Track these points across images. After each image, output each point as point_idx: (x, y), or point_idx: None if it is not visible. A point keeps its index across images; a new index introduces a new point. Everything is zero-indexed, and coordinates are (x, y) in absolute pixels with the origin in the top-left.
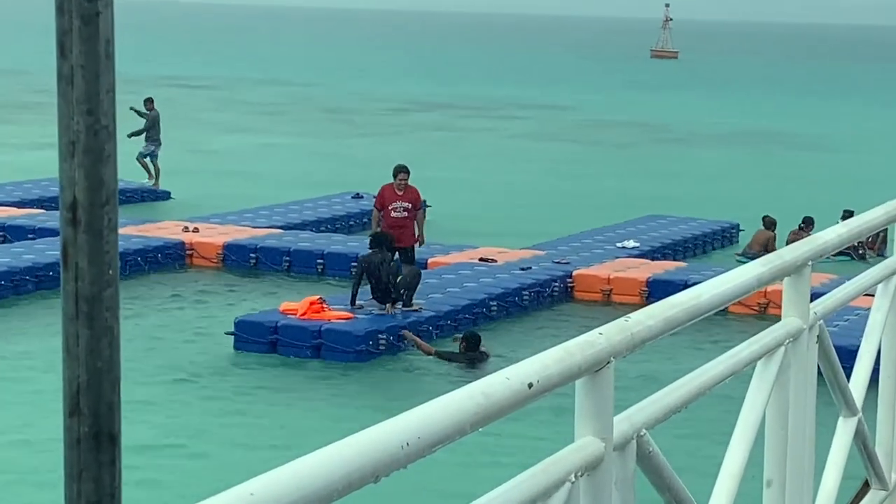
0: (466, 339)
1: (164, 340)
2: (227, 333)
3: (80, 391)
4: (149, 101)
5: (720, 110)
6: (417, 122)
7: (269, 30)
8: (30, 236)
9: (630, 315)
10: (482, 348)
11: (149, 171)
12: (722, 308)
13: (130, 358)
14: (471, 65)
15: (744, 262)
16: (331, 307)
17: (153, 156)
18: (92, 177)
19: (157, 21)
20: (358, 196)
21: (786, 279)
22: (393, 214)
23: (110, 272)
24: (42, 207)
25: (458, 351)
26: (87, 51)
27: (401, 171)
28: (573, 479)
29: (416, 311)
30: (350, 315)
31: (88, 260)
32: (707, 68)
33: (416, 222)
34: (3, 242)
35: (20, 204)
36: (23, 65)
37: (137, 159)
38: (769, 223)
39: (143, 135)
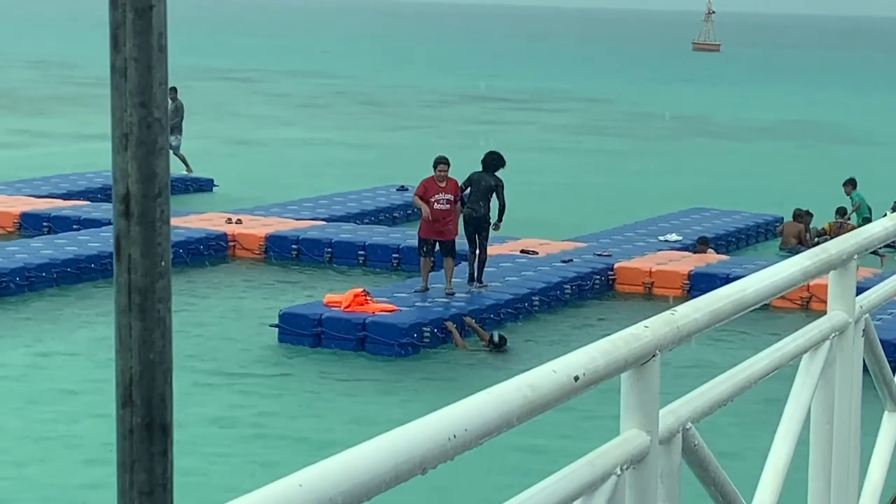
0: (493, 342)
1: (207, 332)
2: (272, 325)
3: (132, 382)
4: (172, 91)
5: (763, 103)
6: (459, 114)
7: (310, 23)
8: (75, 227)
9: (676, 308)
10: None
11: (186, 163)
12: (766, 302)
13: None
14: (511, 57)
15: (786, 256)
16: (375, 299)
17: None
18: (145, 169)
19: (198, 14)
20: (402, 189)
21: (831, 273)
22: (436, 206)
23: (163, 263)
24: (88, 199)
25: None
26: (140, 44)
27: (440, 161)
28: (619, 472)
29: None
30: (394, 307)
31: (141, 252)
32: (749, 61)
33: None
34: (49, 233)
35: (66, 196)
36: (71, 56)
37: (174, 153)
38: (797, 214)
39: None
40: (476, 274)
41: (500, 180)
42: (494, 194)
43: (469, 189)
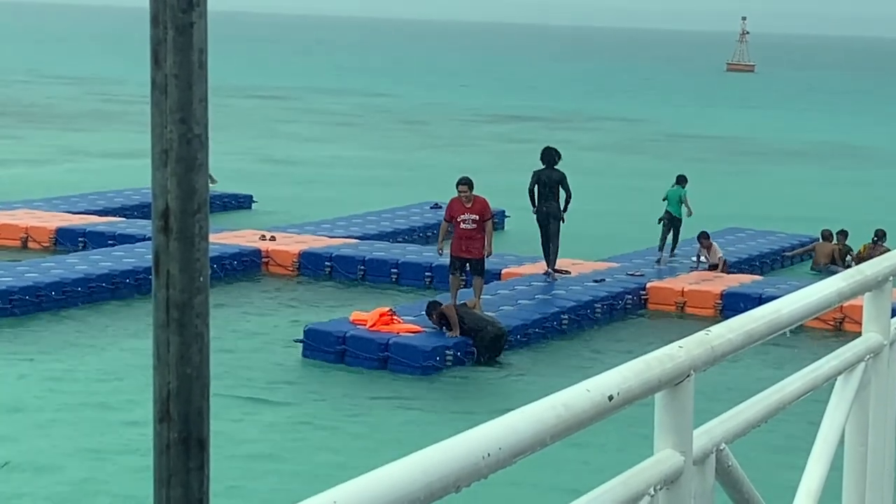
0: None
1: (235, 346)
2: (296, 341)
3: (170, 397)
4: None
5: (797, 124)
6: (491, 133)
7: (344, 41)
8: (110, 242)
9: (710, 328)
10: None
11: (211, 176)
12: (801, 323)
13: None
14: (546, 77)
15: (817, 276)
16: (401, 318)
17: None
18: (184, 185)
19: (231, 32)
20: (436, 206)
21: (866, 294)
22: (462, 226)
23: (201, 279)
24: (124, 216)
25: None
26: (180, 61)
27: (460, 183)
28: (652, 493)
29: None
30: (419, 328)
31: (180, 267)
32: (784, 82)
33: (485, 233)
34: (84, 249)
35: (102, 212)
36: (114, 74)
37: None
38: (827, 235)
39: None
40: (549, 263)
41: (563, 173)
42: (561, 186)
43: (537, 187)
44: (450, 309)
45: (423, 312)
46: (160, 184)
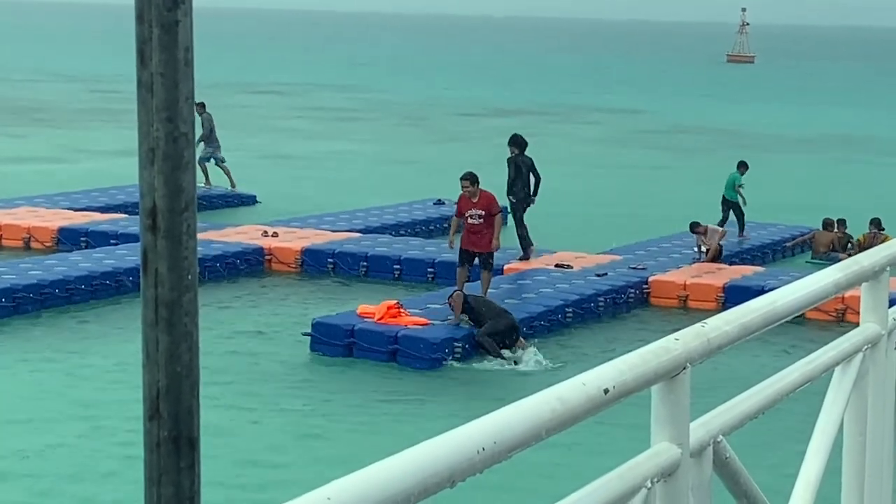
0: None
1: (242, 343)
2: (304, 334)
3: (159, 396)
4: (199, 105)
5: (797, 115)
6: (493, 127)
7: (344, 36)
8: (112, 241)
9: (706, 321)
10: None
11: (206, 176)
12: (799, 314)
13: (207, 361)
14: (545, 70)
15: (817, 264)
16: (408, 311)
17: (216, 158)
18: (171, 183)
19: (232, 28)
20: (439, 202)
21: (864, 285)
22: (470, 221)
23: (189, 278)
24: (126, 212)
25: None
26: (166, 59)
27: (462, 179)
28: (649, 485)
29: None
30: (427, 321)
31: (168, 266)
32: (784, 73)
33: (493, 227)
34: (87, 248)
35: (104, 209)
36: (116, 72)
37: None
38: (828, 224)
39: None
40: (527, 249)
41: (531, 158)
42: (531, 172)
43: (511, 172)
44: (458, 297)
45: (428, 306)
46: (147, 182)
